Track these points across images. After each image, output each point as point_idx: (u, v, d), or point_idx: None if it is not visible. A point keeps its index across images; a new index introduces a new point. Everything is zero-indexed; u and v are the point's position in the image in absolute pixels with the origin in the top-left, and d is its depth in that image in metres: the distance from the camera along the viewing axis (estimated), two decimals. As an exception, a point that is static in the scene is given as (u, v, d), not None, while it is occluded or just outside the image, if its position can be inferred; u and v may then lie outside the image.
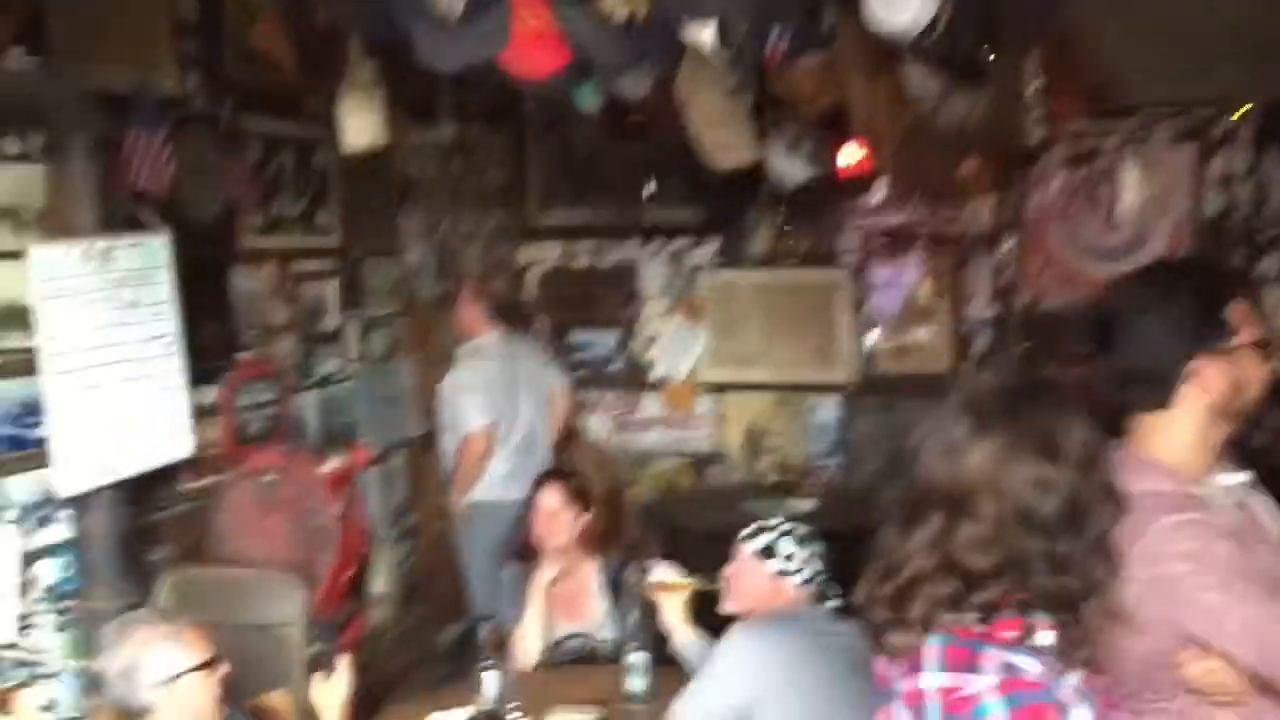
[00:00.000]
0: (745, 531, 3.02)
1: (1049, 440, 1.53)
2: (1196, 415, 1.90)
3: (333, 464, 3.78)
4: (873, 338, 5.94)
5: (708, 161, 3.20)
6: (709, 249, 6.15)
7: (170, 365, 3.40)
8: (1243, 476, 1.97)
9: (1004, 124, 3.26)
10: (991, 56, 3.27)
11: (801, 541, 2.98)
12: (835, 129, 4.18)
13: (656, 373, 6.27)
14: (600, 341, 6.34)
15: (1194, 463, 1.92)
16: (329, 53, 3.40)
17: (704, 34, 2.24)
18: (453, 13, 2.16)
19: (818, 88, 3.61)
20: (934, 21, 2.39)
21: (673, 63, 2.61)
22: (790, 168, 4.37)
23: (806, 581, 2.93)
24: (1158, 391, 1.90)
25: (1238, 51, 4.65)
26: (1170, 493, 1.86)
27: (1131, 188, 5.46)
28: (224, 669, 2.52)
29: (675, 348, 6.22)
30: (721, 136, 3.03)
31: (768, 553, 2.95)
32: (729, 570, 3.01)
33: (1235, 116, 5.31)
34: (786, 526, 3.01)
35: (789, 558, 2.94)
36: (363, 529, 4.01)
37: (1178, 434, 1.91)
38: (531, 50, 2.26)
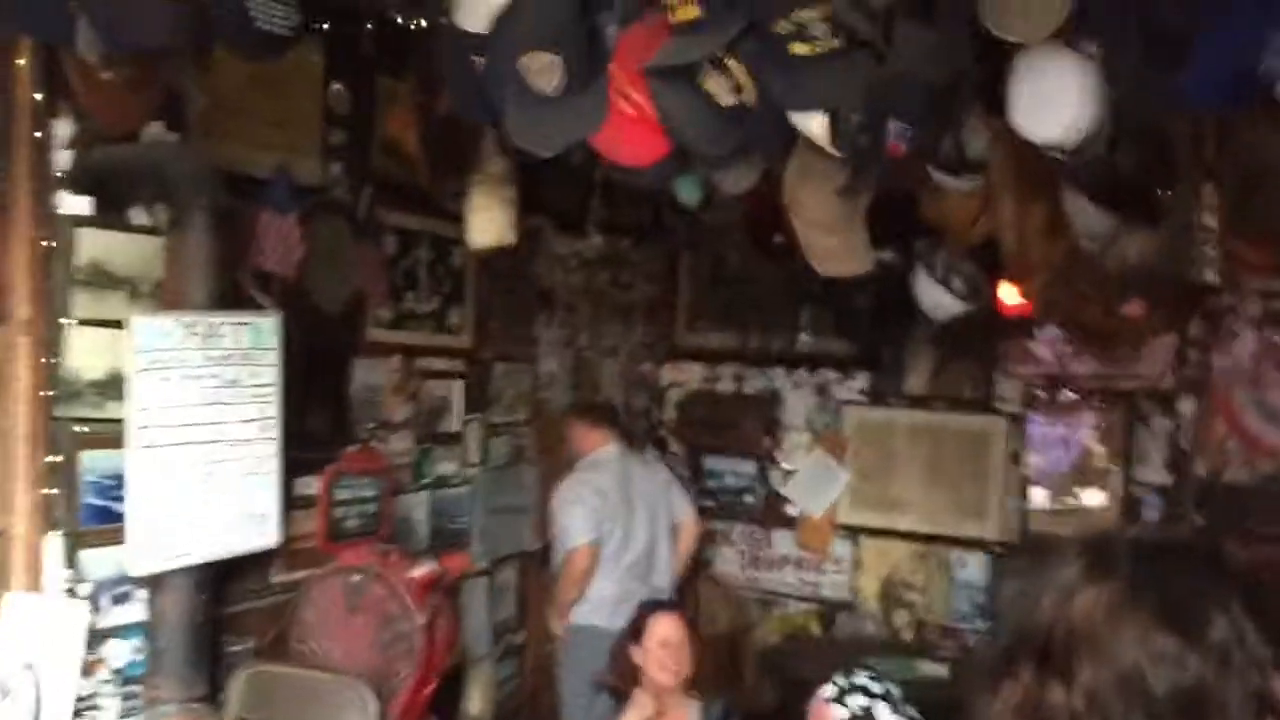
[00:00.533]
0: (828, 691, 2.66)
1: (1183, 609, 1.20)
2: None
3: (426, 568, 3.59)
4: (1035, 498, 5.49)
5: (817, 268, 2.96)
6: (858, 383, 5.85)
7: (267, 450, 3.31)
8: None
9: (1175, 261, 2.92)
10: (1165, 191, 2.96)
11: (897, 708, 2.61)
12: (994, 262, 3.89)
13: (793, 509, 5.95)
14: (737, 471, 6.07)
15: None
16: (459, 145, 3.32)
17: (813, 124, 2.03)
18: (550, 90, 2.01)
19: (972, 214, 3.35)
20: (1092, 138, 2.12)
21: (780, 157, 2.39)
22: (940, 299, 4.07)
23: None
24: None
25: None
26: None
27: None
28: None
29: (814, 484, 5.90)
30: (831, 243, 2.79)
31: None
32: None
33: None
34: (880, 688, 2.64)
35: None
36: (453, 643, 3.79)
37: None
38: (630, 134, 2.09)
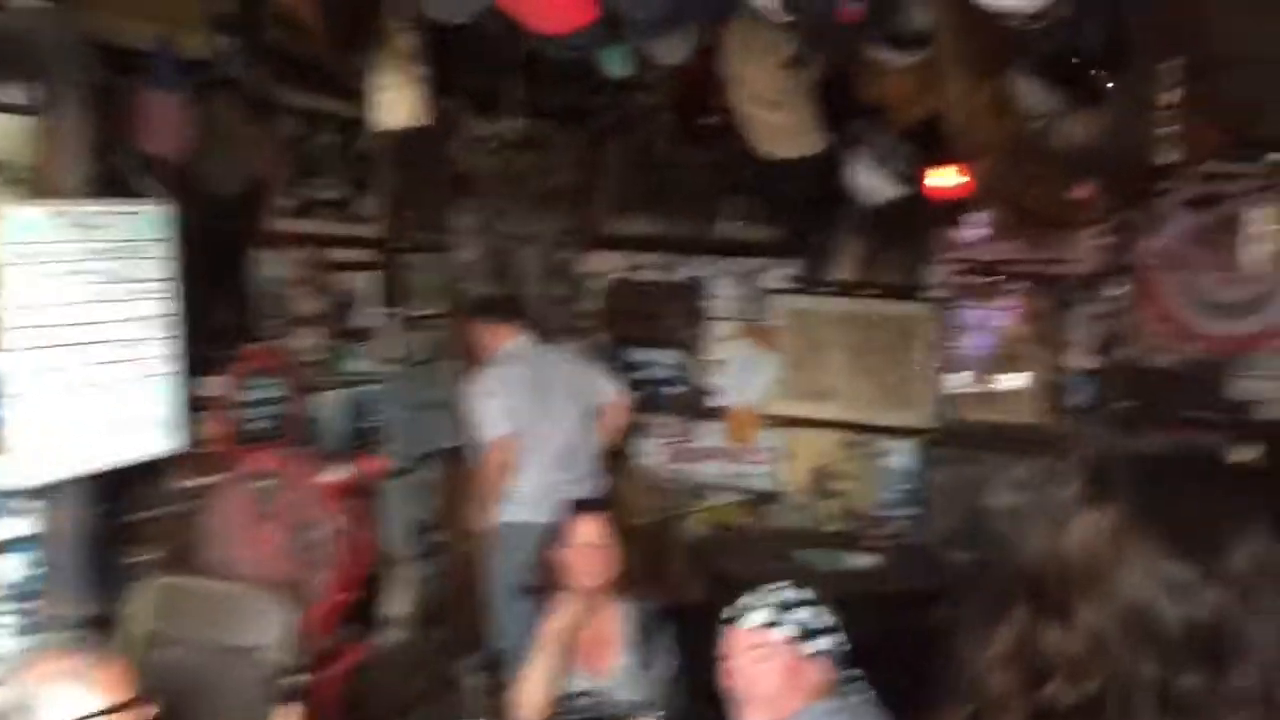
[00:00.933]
0: (758, 617, 2.45)
1: (1197, 533, 1.05)
2: None
3: (338, 472, 3.41)
4: (958, 382, 5.44)
5: (761, 149, 2.74)
6: (786, 271, 5.70)
7: (161, 350, 3.06)
8: None
9: (1128, 145, 2.78)
10: (1116, 72, 2.80)
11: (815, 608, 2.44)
12: (931, 144, 3.72)
13: (719, 400, 5.83)
14: (661, 361, 5.92)
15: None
16: (360, 15, 3.04)
17: None
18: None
19: (913, 92, 3.16)
20: (1053, 6, 1.93)
21: (720, 23, 2.16)
22: (876, 183, 3.91)
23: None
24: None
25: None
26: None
27: (1260, 238, 4.91)
28: (147, 713, 2.13)
29: (741, 375, 5.78)
30: (776, 119, 2.58)
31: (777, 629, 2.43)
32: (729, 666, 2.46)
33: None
34: (791, 595, 2.47)
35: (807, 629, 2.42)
36: (370, 548, 3.62)
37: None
38: (553, 1, 1.86)
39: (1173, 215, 4.90)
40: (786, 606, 2.42)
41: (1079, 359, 5.24)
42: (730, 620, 2.44)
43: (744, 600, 2.46)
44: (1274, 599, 1.03)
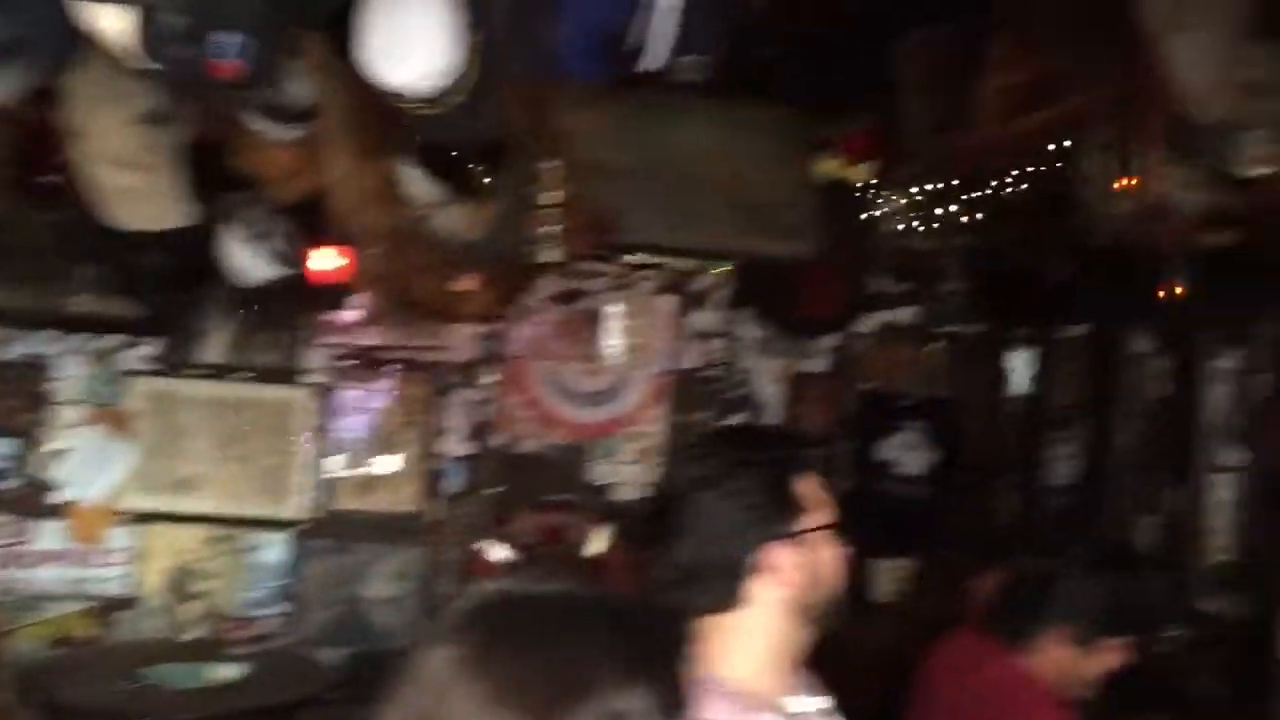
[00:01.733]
0: None
1: (540, 681, 0.97)
2: (770, 616, 1.48)
3: None
4: (334, 468, 5.26)
5: (108, 217, 2.38)
6: (146, 351, 5.16)
7: None
8: (821, 702, 1.56)
9: (508, 241, 2.83)
10: (495, 168, 2.83)
11: None
12: (312, 224, 3.53)
13: (62, 494, 5.11)
14: (-8, 451, 5.07)
15: (767, 678, 1.48)
16: None
17: (109, 20, 1.50)
18: None
19: (294, 168, 2.97)
20: (450, 90, 1.86)
21: (58, 63, 1.79)
22: (250, 262, 3.64)
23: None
24: (721, 587, 1.46)
25: (728, 211, 4.64)
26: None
27: (614, 333, 5.34)
28: None
29: (90, 465, 5.11)
30: (128, 182, 2.25)
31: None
32: None
33: (715, 273, 5.40)
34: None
35: None
36: None
37: (748, 642, 1.47)
38: None
39: (541, 309, 5.17)
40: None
41: (454, 445, 5.31)
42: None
43: None
44: None
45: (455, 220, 3.04)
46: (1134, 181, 2.61)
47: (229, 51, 1.51)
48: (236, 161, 3.13)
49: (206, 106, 1.92)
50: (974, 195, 4.14)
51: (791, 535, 1.49)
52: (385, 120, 2.32)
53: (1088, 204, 3.05)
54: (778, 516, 1.49)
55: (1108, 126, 2.55)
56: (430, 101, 1.80)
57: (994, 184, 3.93)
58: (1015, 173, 3.59)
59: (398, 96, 1.84)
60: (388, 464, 5.31)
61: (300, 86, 2.61)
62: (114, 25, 1.51)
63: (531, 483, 5.26)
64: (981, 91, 2.60)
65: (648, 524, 1.54)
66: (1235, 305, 3.67)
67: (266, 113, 2.74)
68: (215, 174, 3.26)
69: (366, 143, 2.43)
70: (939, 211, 4.36)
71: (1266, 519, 3.81)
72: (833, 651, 1.54)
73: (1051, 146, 3.12)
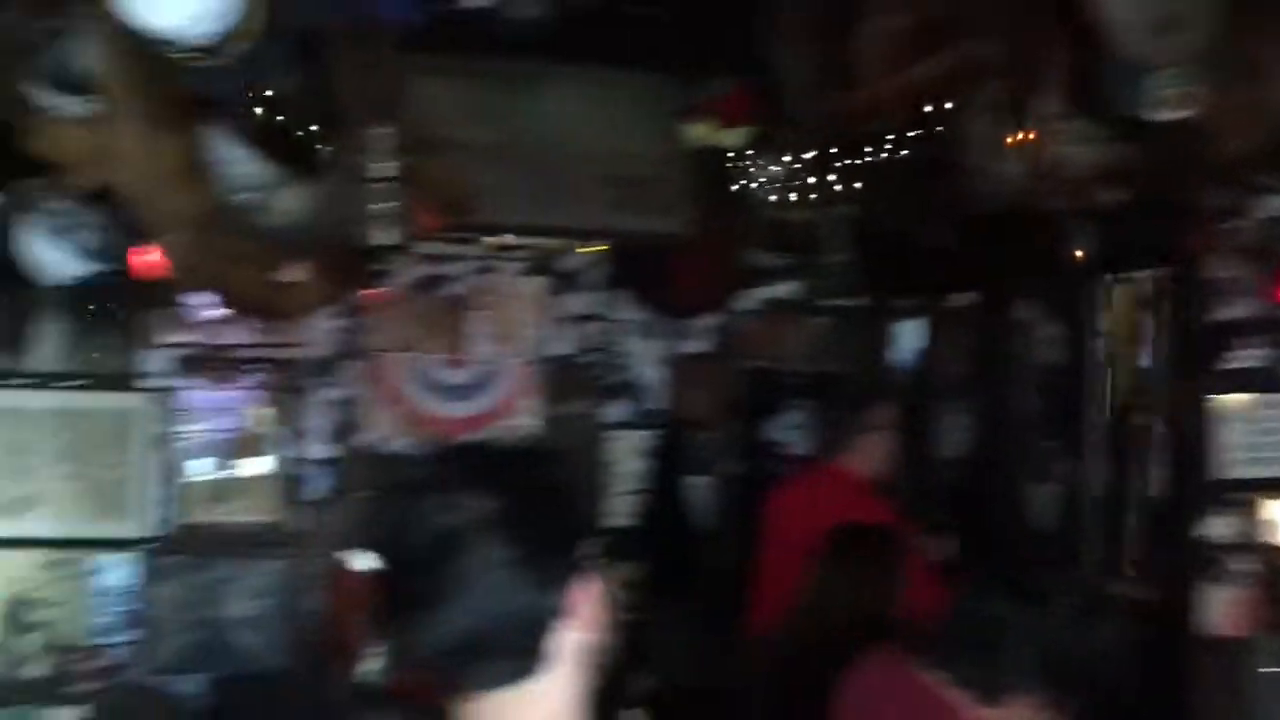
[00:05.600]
0: None
1: None
2: (569, 673, 1.20)
3: None
4: (185, 479, 4.84)
5: None
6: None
7: None
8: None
9: (342, 222, 2.50)
10: (327, 137, 2.50)
11: None
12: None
13: None
14: None
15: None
16: None
17: None
18: None
19: (90, 149, 2.58)
20: (231, 35, 1.53)
21: None
22: (58, 257, 3.23)
23: None
24: (519, 651, 1.17)
25: (597, 186, 4.37)
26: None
27: (479, 320, 5.03)
28: None
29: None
30: None
31: None
32: None
33: (585, 252, 5.12)
34: None
35: None
36: None
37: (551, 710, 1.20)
38: None
39: (399, 299, 4.82)
40: None
41: (315, 448, 4.94)
42: None
43: None
44: None
45: (282, 201, 2.69)
46: (1027, 138, 2.40)
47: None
48: (31, 143, 2.73)
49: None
50: (853, 161, 3.94)
51: (586, 568, 1.21)
52: (181, 87, 1.97)
53: (975, 165, 2.85)
54: (568, 549, 1.21)
55: (999, 78, 2.34)
56: (206, 50, 1.47)
57: (874, 148, 3.73)
58: (895, 136, 3.38)
59: (168, 44, 1.50)
60: (249, 467, 4.92)
61: (86, 50, 2.25)
62: None
63: (404, 484, 4.92)
64: (863, 42, 2.35)
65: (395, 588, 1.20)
66: (1131, 264, 3.51)
67: (54, 84, 2.37)
68: (10, 160, 2.87)
69: (159, 112, 2.07)
70: (817, 179, 4.15)
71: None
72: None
73: (932, 107, 2.92)
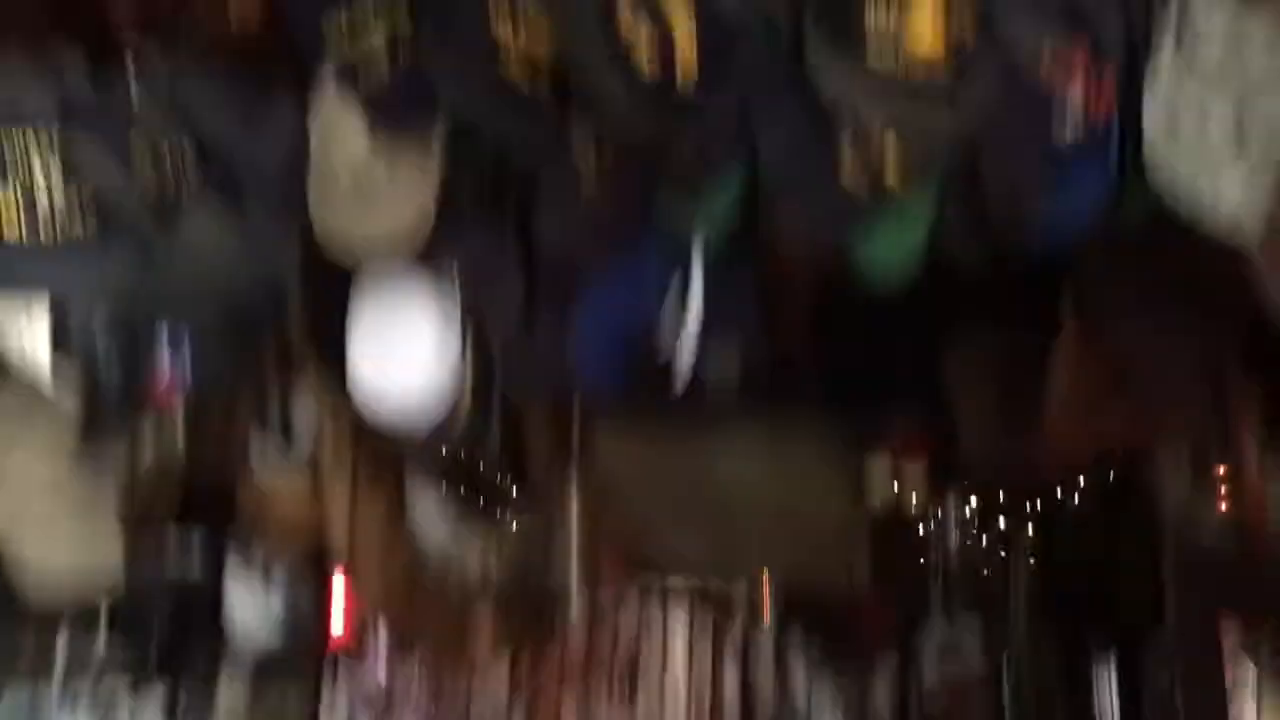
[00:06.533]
0: None
1: None
2: None
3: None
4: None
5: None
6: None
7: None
8: None
9: (530, 570, 2.54)
10: (518, 483, 2.59)
11: None
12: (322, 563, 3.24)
13: None
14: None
15: None
16: None
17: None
18: None
19: (297, 502, 2.73)
20: (453, 415, 1.63)
21: None
22: (256, 619, 3.31)
23: None
24: None
25: (772, 543, 4.36)
26: None
27: (650, 668, 4.92)
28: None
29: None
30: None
31: None
32: None
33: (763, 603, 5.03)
34: None
35: None
36: None
37: None
38: None
39: (572, 641, 4.77)
40: None
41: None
42: None
43: None
44: None
45: (473, 550, 2.76)
46: (1227, 481, 2.31)
47: (171, 366, 1.27)
48: (241, 498, 2.89)
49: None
50: (1036, 510, 3.84)
51: None
52: (388, 446, 2.09)
53: (1172, 515, 2.74)
54: None
55: (1194, 424, 2.29)
56: (428, 432, 1.57)
57: (1058, 496, 3.64)
58: (1085, 485, 3.30)
59: (392, 429, 1.61)
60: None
61: (301, 408, 2.42)
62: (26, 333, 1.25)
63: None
64: (1051, 388, 2.35)
65: None
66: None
67: (276, 438, 2.54)
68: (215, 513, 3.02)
69: (368, 468, 2.19)
70: (1000, 530, 4.05)
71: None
72: None
73: (1123, 455, 2.86)
